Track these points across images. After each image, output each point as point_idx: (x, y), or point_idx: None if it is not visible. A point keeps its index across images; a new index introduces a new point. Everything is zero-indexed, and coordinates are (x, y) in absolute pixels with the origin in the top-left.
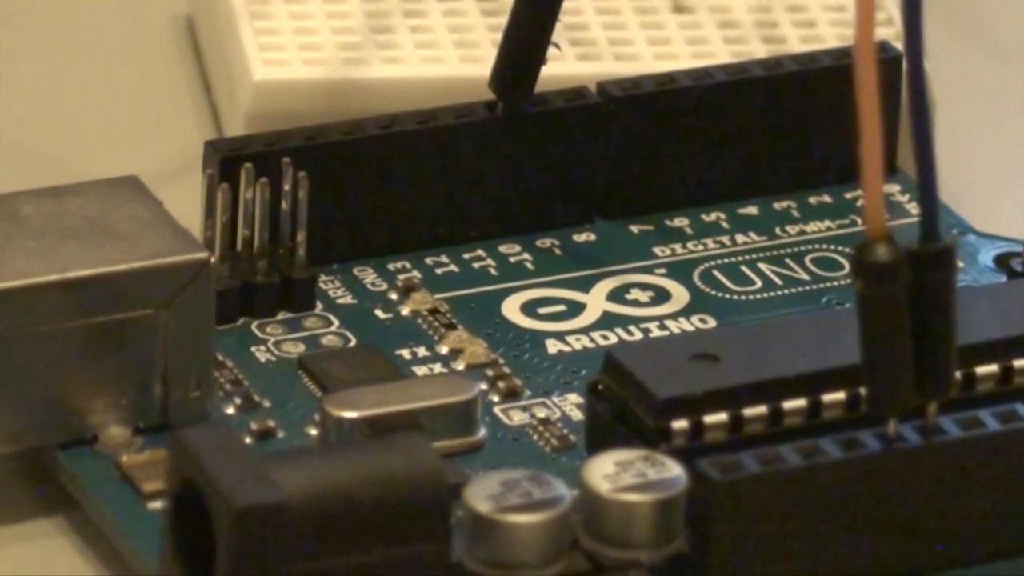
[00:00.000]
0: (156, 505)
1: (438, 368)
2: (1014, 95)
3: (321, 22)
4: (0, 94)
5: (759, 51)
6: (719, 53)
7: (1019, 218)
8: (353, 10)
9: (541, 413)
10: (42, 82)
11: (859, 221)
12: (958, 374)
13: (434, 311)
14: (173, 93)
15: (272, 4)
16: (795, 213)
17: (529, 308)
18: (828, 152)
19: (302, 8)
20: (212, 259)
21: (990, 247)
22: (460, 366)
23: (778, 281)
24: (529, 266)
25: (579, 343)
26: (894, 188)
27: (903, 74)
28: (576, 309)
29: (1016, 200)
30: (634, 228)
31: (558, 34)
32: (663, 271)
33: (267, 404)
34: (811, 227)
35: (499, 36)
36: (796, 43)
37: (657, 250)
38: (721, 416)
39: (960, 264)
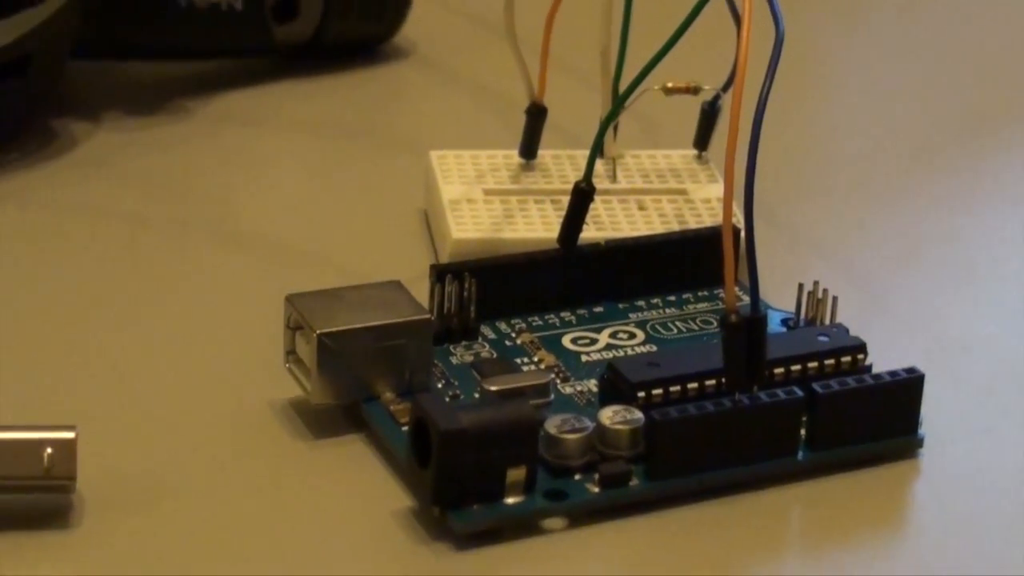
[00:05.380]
0: (405, 428)
1: (532, 368)
2: (778, 250)
3: (482, 210)
4: (342, 250)
5: (676, 226)
6: (659, 227)
7: (791, 302)
8: (495, 208)
9: (579, 388)
10: (362, 249)
11: (721, 303)
12: (767, 373)
13: (531, 342)
14: (417, 243)
15: (462, 204)
16: (692, 299)
17: (574, 341)
18: (709, 272)
19: (472, 206)
20: (432, 318)
21: (779, 315)
22: (543, 366)
23: (685, 330)
24: (574, 321)
25: (596, 357)
26: (738, 290)
27: (742, 240)
28: (595, 342)
29: (791, 295)
30: (620, 305)
31: (588, 218)
32: (633, 324)
33: (455, 383)
34: (700, 306)
35: (561, 219)
36: (693, 223)
37: (631, 315)
38: (659, 390)
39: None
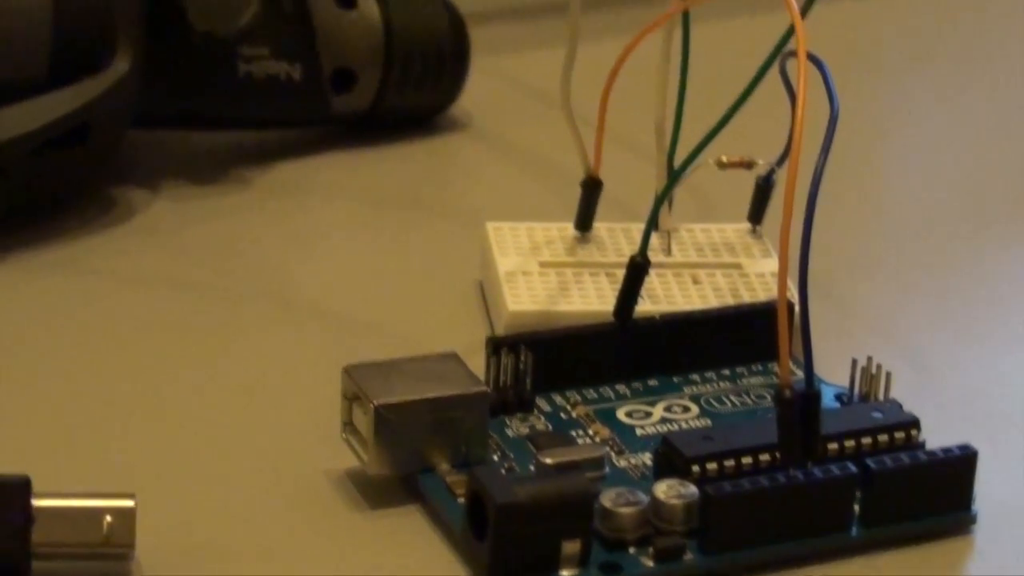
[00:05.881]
0: (460, 501)
1: (587, 441)
2: (831, 325)
3: (537, 283)
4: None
5: (730, 300)
6: (713, 301)
7: (844, 376)
8: (551, 280)
9: (633, 461)
10: (417, 320)
11: (775, 378)
12: (821, 448)
13: (586, 415)
14: (472, 314)
15: (517, 277)
16: (745, 373)
17: (628, 414)
18: (763, 346)
19: (527, 278)
20: (488, 390)
21: (832, 390)
22: (597, 439)
23: (739, 404)
24: (629, 394)
25: (651, 430)
26: (792, 365)
27: (796, 314)
28: (649, 415)
29: (844, 370)
30: (675, 379)
31: (643, 292)
32: (687, 398)
33: (511, 455)
34: (754, 380)
35: (616, 292)
36: (747, 297)
37: (685, 389)
38: (714, 464)
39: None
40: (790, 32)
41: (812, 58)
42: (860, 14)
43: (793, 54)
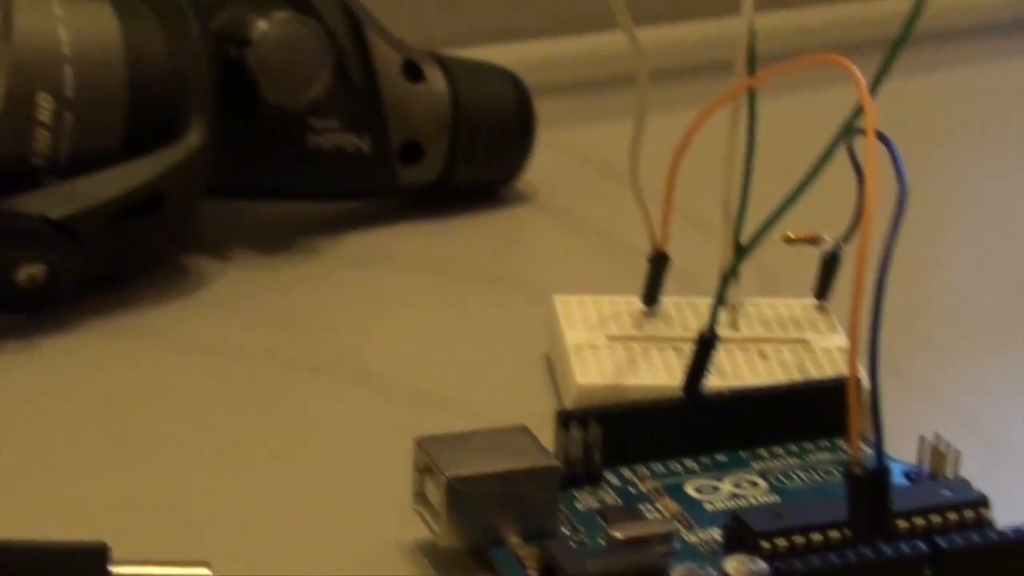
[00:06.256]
0: (531, 573)
1: (656, 516)
2: (897, 400)
3: (606, 356)
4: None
5: (797, 376)
6: (780, 376)
7: (911, 453)
8: (618, 354)
9: (703, 536)
10: (485, 392)
11: (843, 453)
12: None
13: (655, 489)
14: (539, 386)
15: (585, 350)
16: (813, 449)
17: (697, 489)
18: (832, 421)
19: (595, 352)
20: (558, 464)
21: (901, 467)
22: (667, 514)
23: (807, 480)
24: (697, 469)
25: (720, 505)
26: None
27: (864, 390)
28: (717, 490)
29: (911, 447)
30: (742, 454)
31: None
32: (755, 474)
33: (580, 529)
34: (822, 456)
35: (683, 366)
36: (814, 372)
37: (752, 464)
38: (784, 541)
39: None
40: (858, 111)
41: (880, 136)
42: (927, 89)
43: (860, 131)
